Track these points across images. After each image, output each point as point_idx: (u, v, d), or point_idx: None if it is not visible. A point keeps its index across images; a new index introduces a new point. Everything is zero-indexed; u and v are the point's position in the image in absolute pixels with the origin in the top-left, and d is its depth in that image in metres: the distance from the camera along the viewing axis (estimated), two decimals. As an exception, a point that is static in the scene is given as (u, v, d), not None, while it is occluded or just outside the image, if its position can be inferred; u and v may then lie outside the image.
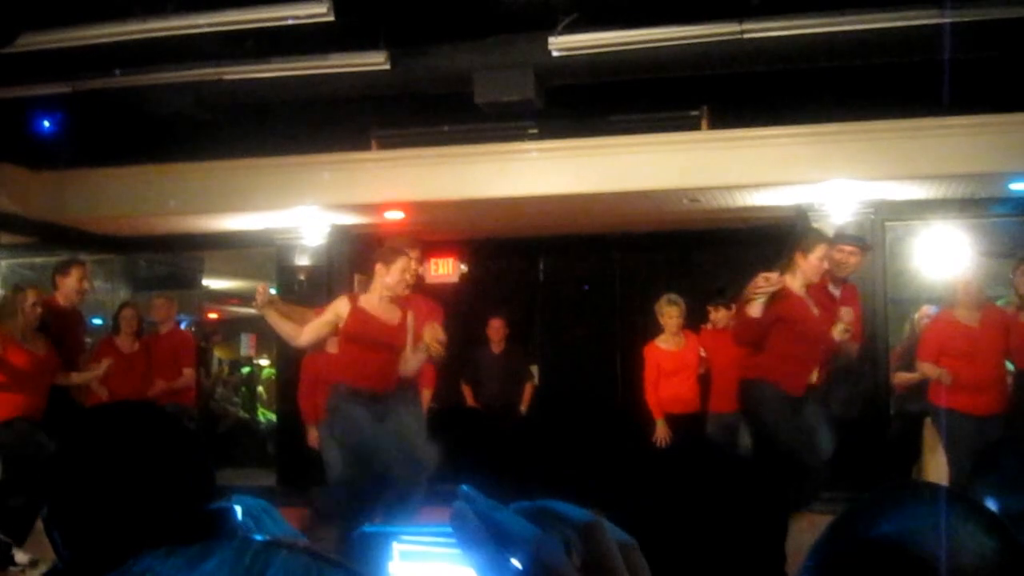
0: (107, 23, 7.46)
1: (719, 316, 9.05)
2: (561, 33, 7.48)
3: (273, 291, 9.20)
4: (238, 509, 1.81)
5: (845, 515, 1.14)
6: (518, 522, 0.76)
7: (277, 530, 1.81)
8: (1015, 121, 8.58)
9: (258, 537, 1.64)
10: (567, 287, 12.25)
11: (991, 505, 1.80)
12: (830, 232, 7.57)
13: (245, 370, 16.26)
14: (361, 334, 6.31)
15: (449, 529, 0.77)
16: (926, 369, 7.72)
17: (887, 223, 9.95)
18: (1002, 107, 8.50)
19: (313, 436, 8.45)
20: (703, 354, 9.02)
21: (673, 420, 8.82)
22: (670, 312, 8.88)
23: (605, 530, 0.78)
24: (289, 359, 10.95)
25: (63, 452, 1.83)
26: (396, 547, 0.81)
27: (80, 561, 1.73)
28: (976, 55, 7.61)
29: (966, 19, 6.92)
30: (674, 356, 8.93)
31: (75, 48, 7.67)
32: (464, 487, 0.78)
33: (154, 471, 1.75)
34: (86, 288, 8.33)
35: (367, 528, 0.82)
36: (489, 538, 0.76)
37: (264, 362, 16.33)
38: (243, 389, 15.76)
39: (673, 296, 9.01)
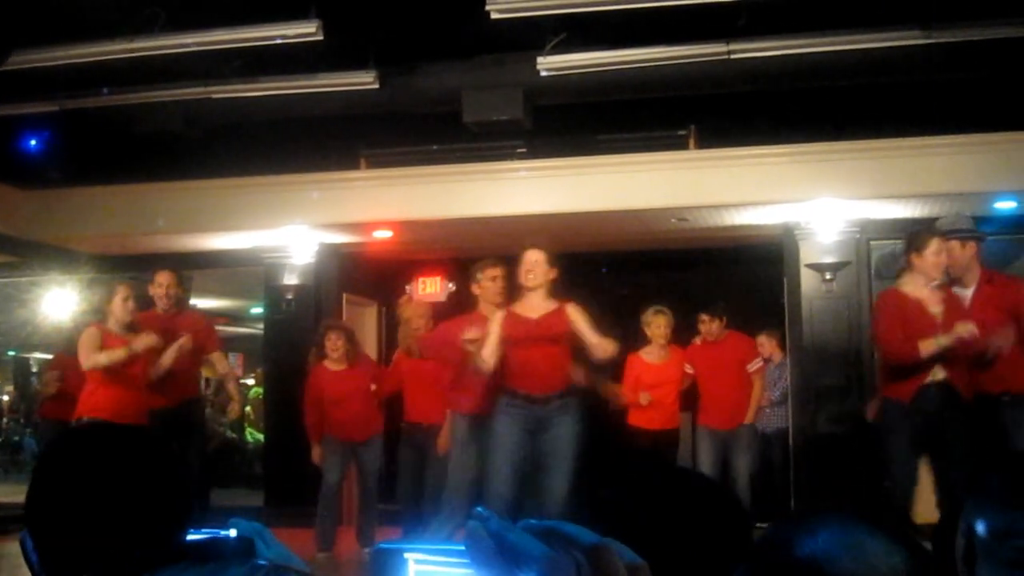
0: (95, 42, 7.45)
1: (712, 328, 8.75)
2: (549, 53, 7.50)
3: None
4: (232, 533, 1.80)
5: (763, 539, 1.17)
6: (530, 542, 0.77)
7: (270, 554, 1.80)
8: (999, 140, 8.65)
9: (263, 562, 1.65)
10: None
11: (979, 523, 1.81)
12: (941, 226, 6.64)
13: (232, 389, 16.18)
14: None
15: (462, 547, 0.79)
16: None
17: (872, 242, 10.00)
18: (986, 126, 8.56)
19: (317, 453, 8.42)
20: (689, 370, 8.77)
21: (648, 436, 8.63)
22: (657, 322, 8.65)
23: (613, 552, 0.79)
24: (276, 379, 10.94)
25: (42, 473, 1.82)
26: (412, 564, 0.82)
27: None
28: (960, 75, 7.67)
29: (950, 40, 6.96)
30: (656, 370, 8.69)
31: (63, 67, 7.66)
32: (479, 507, 0.79)
33: (134, 493, 1.75)
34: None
35: (384, 544, 0.83)
36: (501, 557, 0.77)
37: (251, 381, 16.29)
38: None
39: (660, 307, 8.76)
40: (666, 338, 8.73)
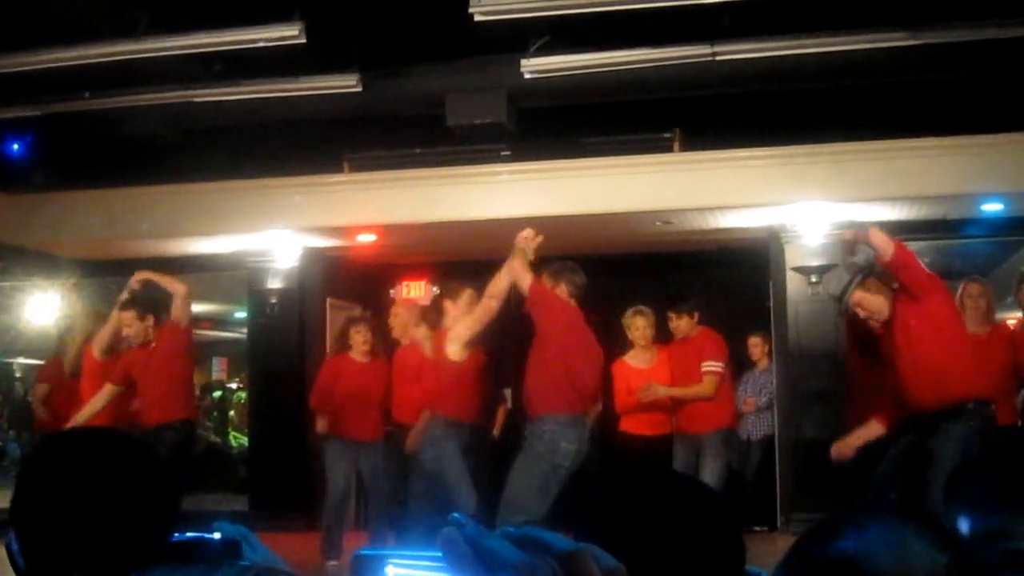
0: (77, 46, 7.43)
1: (679, 325, 8.36)
2: (533, 55, 7.49)
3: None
4: (216, 536, 1.79)
5: (806, 535, 1.18)
6: (507, 548, 0.77)
7: (256, 556, 1.80)
8: (986, 143, 8.67)
9: (249, 564, 1.64)
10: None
11: (964, 524, 1.79)
12: None
13: (216, 394, 16.20)
14: None
15: (439, 554, 0.77)
16: None
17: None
18: (972, 128, 8.57)
19: (322, 424, 8.38)
20: None
21: (641, 442, 8.35)
22: (637, 323, 8.36)
23: (588, 559, 0.78)
24: (260, 383, 10.91)
25: (28, 476, 1.81)
26: (391, 570, 0.81)
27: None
28: (945, 77, 7.69)
29: (935, 41, 6.98)
30: (643, 374, 8.34)
31: (44, 71, 7.64)
32: (455, 514, 0.78)
33: (119, 495, 1.74)
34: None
35: (363, 551, 0.83)
36: (478, 563, 0.76)
37: (235, 385, 16.27)
38: (214, 413, 15.70)
39: (640, 307, 8.46)
40: (647, 339, 8.45)
